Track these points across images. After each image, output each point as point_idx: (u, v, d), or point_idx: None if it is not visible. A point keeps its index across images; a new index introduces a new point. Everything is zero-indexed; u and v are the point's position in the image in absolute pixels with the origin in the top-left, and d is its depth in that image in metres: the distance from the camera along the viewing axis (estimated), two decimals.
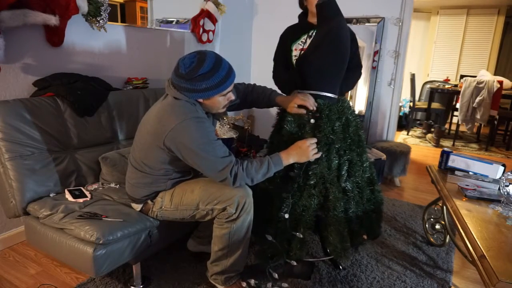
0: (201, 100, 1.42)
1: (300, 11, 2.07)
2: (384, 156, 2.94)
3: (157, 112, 1.43)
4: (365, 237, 1.80)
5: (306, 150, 1.53)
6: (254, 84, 1.84)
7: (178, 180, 1.58)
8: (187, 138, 1.35)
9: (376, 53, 3.24)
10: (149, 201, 1.60)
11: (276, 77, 2.12)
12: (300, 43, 2.01)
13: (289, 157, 1.53)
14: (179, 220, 1.59)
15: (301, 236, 1.60)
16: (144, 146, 1.48)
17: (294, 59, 2.03)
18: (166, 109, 1.41)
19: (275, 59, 2.12)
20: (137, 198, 1.59)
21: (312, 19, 1.99)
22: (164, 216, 1.59)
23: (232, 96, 1.49)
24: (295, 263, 1.67)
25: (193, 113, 1.38)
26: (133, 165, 1.56)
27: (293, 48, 2.02)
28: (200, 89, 1.36)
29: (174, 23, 3.03)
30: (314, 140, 1.57)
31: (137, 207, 1.63)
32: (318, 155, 1.58)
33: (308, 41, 1.98)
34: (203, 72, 1.34)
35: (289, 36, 2.03)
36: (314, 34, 1.97)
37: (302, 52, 1.97)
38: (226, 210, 1.46)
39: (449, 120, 5.47)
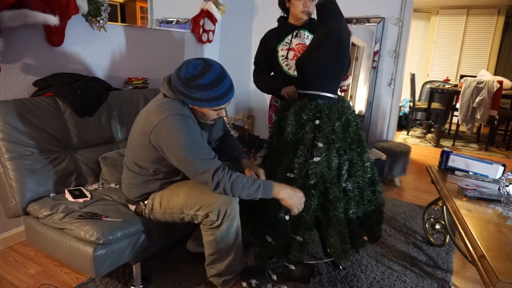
0: (191, 106, 1.42)
1: (278, 15, 2.11)
2: (384, 156, 2.94)
3: (146, 111, 1.45)
4: (365, 238, 1.80)
5: (298, 200, 1.48)
6: (232, 136, 1.86)
7: (167, 181, 1.57)
8: (168, 135, 1.34)
9: (376, 53, 3.24)
10: (141, 203, 1.60)
11: (257, 80, 2.15)
12: (285, 43, 2.05)
13: (280, 192, 1.46)
14: (172, 222, 1.58)
15: (301, 239, 1.60)
16: (135, 145, 1.49)
17: (281, 59, 2.06)
18: (153, 107, 1.42)
19: (256, 63, 2.15)
20: (130, 198, 1.61)
21: (295, 21, 2.03)
22: (156, 218, 1.59)
23: (223, 113, 1.48)
24: (293, 267, 1.66)
25: (177, 110, 1.37)
26: (126, 165, 1.58)
27: (279, 49, 2.05)
28: (194, 97, 1.36)
29: (174, 23, 3.03)
30: (304, 198, 1.52)
31: (132, 208, 1.64)
32: (298, 211, 1.51)
33: (294, 40, 2.02)
34: (202, 83, 1.32)
35: (272, 40, 2.07)
36: (299, 32, 2.00)
37: (296, 46, 2.01)
38: (208, 217, 1.43)
39: (449, 120, 5.46)
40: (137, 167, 1.51)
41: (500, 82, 4.21)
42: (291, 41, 2.02)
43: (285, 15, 2.11)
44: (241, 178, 1.40)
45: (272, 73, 2.14)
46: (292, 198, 1.47)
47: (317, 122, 1.64)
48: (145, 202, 1.59)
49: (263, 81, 2.11)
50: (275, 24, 2.12)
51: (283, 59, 2.04)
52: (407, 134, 5.26)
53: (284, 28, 2.06)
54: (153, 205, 1.56)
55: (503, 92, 4.33)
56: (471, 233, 1.34)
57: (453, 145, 4.77)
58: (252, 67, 2.19)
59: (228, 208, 1.43)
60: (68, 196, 1.68)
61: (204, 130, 1.55)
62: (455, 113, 4.92)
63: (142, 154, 1.47)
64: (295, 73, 1.98)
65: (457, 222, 1.48)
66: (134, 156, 1.51)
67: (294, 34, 2.02)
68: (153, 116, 1.38)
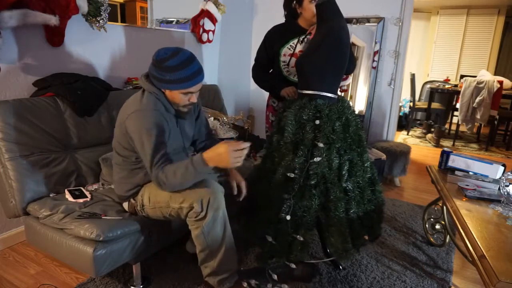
0: (164, 91, 1.49)
1: (278, 15, 2.06)
2: (384, 156, 2.94)
3: (125, 103, 1.54)
4: (366, 237, 1.80)
5: (224, 156, 1.35)
6: (216, 138, 1.92)
7: None
8: (135, 126, 1.43)
9: (376, 53, 3.24)
10: (132, 200, 1.61)
11: (256, 77, 2.12)
12: (289, 47, 1.99)
13: (210, 160, 1.38)
14: (163, 219, 1.58)
15: (302, 239, 1.60)
16: (117, 135, 1.55)
17: (282, 64, 2.02)
18: (130, 99, 1.53)
19: (257, 59, 2.12)
20: (122, 194, 1.62)
21: (304, 25, 1.98)
22: (148, 215, 1.59)
23: (194, 99, 1.51)
24: (294, 266, 1.66)
25: (148, 105, 1.45)
26: (114, 161, 1.63)
27: (282, 53, 2.00)
28: (164, 79, 1.43)
29: (174, 23, 3.03)
30: (240, 146, 1.36)
31: (126, 206, 1.65)
32: (239, 164, 1.38)
33: (299, 46, 1.97)
34: (170, 64, 1.40)
35: (276, 39, 2.02)
36: (306, 39, 1.97)
37: (299, 53, 1.97)
38: (193, 209, 1.43)
39: (449, 120, 5.46)
40: (121, 157, 1.56)
41: (500, 82, 4.21)
42: (295, 46, 1.99)
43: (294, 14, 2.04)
44: (172, 165, 1.41)
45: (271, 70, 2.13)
46: (220, 161, 1.37)
47: (317, 122, 1.64)
48: (135, 198, 1.60)
49: (263, 79, 2.10)
50: (274, 23, 2.09)
51: (284, 65, 2.02)
52: (407, 134, 5.26)
53: (291, 29, 1.99)
54: (143, 201, 1.56)
55: (503, 92, 4.33)
56: (471, 233, 1.34)
57: (453, 145, 4.77)
58: (252, 67, 2.17)
59: (211, 198, 1.43)
60: (68, 196, 1.68)
61: (188, 122, 1.65)
62: (455, 113, 4.93)
63: (122, 143, 1.53)
64: (295, 78, 1.97)
65: (457, 222, 1.48)
66: (117, 147, 1.57)
67: (301, 40, 1.98)
68: (127, 107, 1.49)
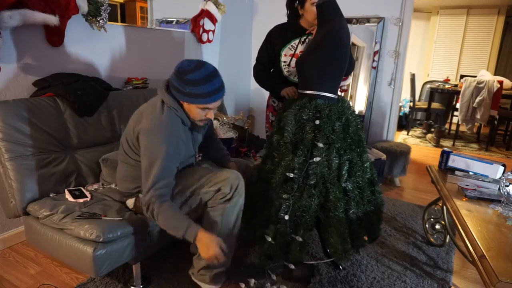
0: (182, 103, 1.46)
1: (278, 15, 2.04)
2: (384, 156, 2.94)
3: (143, 109, 1.50)
4: (365, 238, 1.80)
5: (209, 251, 1.36)
6: (217, 139, 1.91)
7: None
8: (148, 144, 1.41)
9: (376, 53, 3.24)
10: (140, 195, 1.60)
11: (257, 76, 2.12)
12: (291, 47, 1.99)
13: (199, 241, 1.37)
14: None
15: (301, 239, 1.60)
16: (129, 139, 1.53)
17: (283, 64, 2.02)
18: (148, 108, 1.48)
19: (258, 59, 2.12)
20: (127, 192, 1.62)
21: (305, 24, 1.98)
22: None
23: (211, 116, 1.50)
24: (293, 267, 1.66)
25: (167, 125, 1.42)
26: (121, 159, 1.61)
27: (283, 53, 2.01)
28: (183, 92, 1.41)
29: (174, 23, 3.03)
30: (221, 258, 1.38)
31: (130, 202, 1.64)
32: (210, 260, 1.39)
33: (300, 46, 1.97)
34: (192, 78, 1.38)
35: (278, 39, 2.02)
36: (307, 39, 1.97)
37: (300, 53, 1.97)
38: (220, 190, 1.49)
39: (449, 120, 5.47)
40: (132, 159, 1.55)
41: (500, 82, 4.21)
42: (296, 46, 1.99)
43: (297, 14, 2.04)
44: (168, 211, 1.38)
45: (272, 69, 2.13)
46: (205, 250, 1.37)
47: (317, 122, 1.64)
48: None
49: (263, 78, 2.10)
50: (275, 24, 2.10)
51: (285, 65, 2.02)
52: (407, 134, 5.26)
53: (292, 30, 2.00)
54: None
55: (503, 92, 4.33)
56: (471, 233, 1.34)
57: (453, 145, 4.77)
58: (252, 66, 2.17)
59: (239, 183, 1.52)
60: (68, 196, 1.68)
61: (198, 132, 1.63)
62: (455, 113, 4.93)
63: (134, 147, 1.52)
64: (295, 79, 1.97)
65: (457, 222, 1.48)
66: (126, 147, 1.55)
67: (302, 40, 1.98)
68: (144, 117, 1.45)
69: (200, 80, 1.37)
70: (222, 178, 1.50)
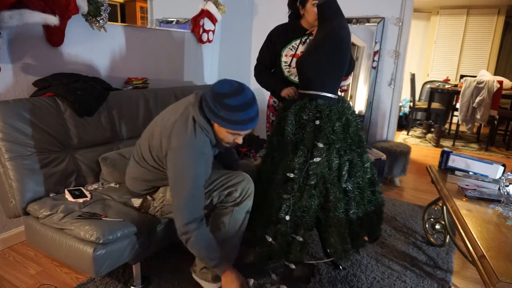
0: (213, 123, 1.41)
1: (278, 15, 2.03)
2: (384, 156, 2.94)
3: (173, 122, 1.40)
4: (365, 238, 1.80)
5: (232, 286, 1.42)
6: (231, 148, 1.87)
7: None
8: (178, 164, 1.37)
9: (376, 53, 3.24)
10: (148, 197, 1.61)
11: (258, 76, 2.12)
12: (291, 48, 1.99)
13: (225, 277, 1.44)
14: None
15: (301, 239, 1.60)
16: (150, 146, 1.48)
17: (284, 65, 2.01)
18: (180, 126, 1.38)
19: (259, 59, 2.12)
20: (136, 192, 1.61)
21: (306, 25, 1.98)
22: (166, 211, 1.60)
23: (239, 141, 1.47)
24: (293, 266, 1.66)
25: (198, 146, 1.38)
26: (136, 160, 1.57)
27: (283, 53, 2.00)
28: (217, 115, 1.34)
29: (174, 23, 3.03)
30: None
31: (137, 202, 1.64)
32: None
33: (300, 47, 1.97)
34: (229, 103, 1.32)
35: (279, 39, 2.02)
36: (308, 40, 1.97)
37: (300, 53, 1.96)
38: (231, 194, 1.55)
39: (449, 120, 5.47)
40: (149, 166, 1.52)
41: (500, 82, 4.22)
42: (297, 47, 1.99)
43: (298, 14, 2.04)
44: (202, 239, 1.40)
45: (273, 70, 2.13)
46: (231, 286, 1.43)
47: (317, 122, 1.64)
48: (153, 196, 1.60)
49: (264, 78, 2.10)
50: (275, 24, 2.10)
51: (286, 65, 2.02)
52: (407, 134, 5.26)
53: (294, 30, 2.00)
54: (165, 198, 1.58)
55: (503, 92, 4.33)
56: (471, 233, 1.34)
57: (453, 145, 4.77)
58: (252, 66, 2.18)
59: (250, 187, 1.59)
60: (68, 196, 1.68)
61: (217, 148, 1.57)
62: (455, 113, 4.93)
63: (156, 156, 1.47)
64: (296, 79, 1.97)
65: (457, 222, 1.48)
66: (147, 157, 1.50)
67: (303, 40, 1.98)
68: (175, 135, 1.37)
69: (237, 107, 1.32)
70: (234, 182, 1.56)
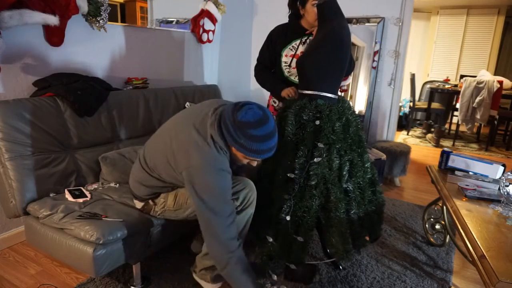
0: (231, 146, 1.38)
1: (278, 15, 2.02)
2: (384, 156, 2.94)
3: (188, 138, 1.37)
4: (367, 238, 1.80)
5: None
6: None
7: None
8: (202, 183, 1.33)
9: (376, 53, 3.24)
10: (150, 201, 1.60)
11: (258, 76, 2.12)
12: (292, 48, 1.99)
13: None
14: (181, 219, 1.60)
15: (302, 239, 1.60)
16: (161, 158, 1.45)
17: (284, 65, 2.01)
18: (198, 143, 1.35)
19: (259, 59, 2.12)
20: (139, 195, 1.61)
21: (306, 25, 1.98)
22: (166, 216, 1.60)
23: (254, 164, 1.47)
24: (294, 267, 1.66)
25: (218, 163, 1.35)
26: (143, 166, 1.54)
27: (284, 53, 2.00)
28: (237, 141, 1.32)
29: (174, 23, 3.03)
30: None
31: (139, 204, 1.64)
32: None
33: (301, 47, 1.97)
34: (251, 133, 1.30)
35: (279, 40, 2.02)
36: (308, 40, 1.97)
37: (301, 54, 1.96)
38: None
39: (449, 120, 5.47)
40: (158, 175, 1.50)
41: (500, 82, 4.22)
42: (297, 47, 1.99)
43: (298, 14, 2.04)
44: (239, 268, 1.39)
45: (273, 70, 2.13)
46: None
47: (317, 122, 1.64)
48: (155, 200, 1.60)
49: (264, 78, 2.10)
50: (275, 24, 2.10)
51: (286, 66, 2.02)
52: (407, 134, 5.26)
53: (294, 30, 1.99)
54: (166, 204, 1.57)
55: (503, 92, 4.33)
56: (471, 233, 1.34)
57: (453, 145, 4.77)
58: (252, 66, 2.18)
59: (252, 196, 1.54)
60: (68, 196, 1.68)
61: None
62: (455, 113, 4.93)
63: (166, 171, 1.46)
64: (296, 79, 1.97)
65: (457, 222, 1.48)
66: (158, 168, 1.48)
67: (303, 40, 1.98)
68: (192, 153, 1.35)
69: (258, 138, 1.30)
70: (235, 190, 1.51)
